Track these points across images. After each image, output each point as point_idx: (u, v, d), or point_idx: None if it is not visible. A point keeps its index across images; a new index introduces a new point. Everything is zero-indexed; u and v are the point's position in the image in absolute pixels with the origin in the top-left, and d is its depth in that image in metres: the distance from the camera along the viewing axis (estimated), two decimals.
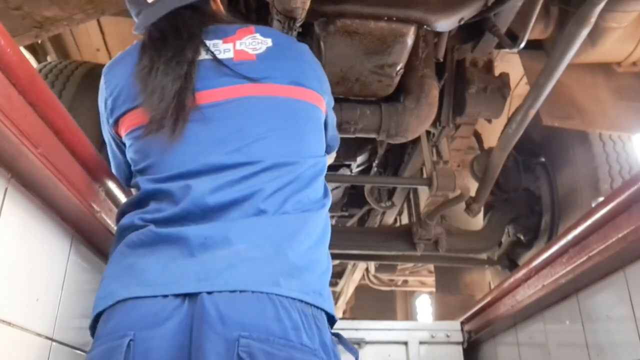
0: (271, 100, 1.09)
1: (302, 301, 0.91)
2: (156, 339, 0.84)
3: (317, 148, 1.14)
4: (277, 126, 1.07)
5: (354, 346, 1.02)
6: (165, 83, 1.06)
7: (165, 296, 0.87)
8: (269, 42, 1.18)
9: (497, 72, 2.64)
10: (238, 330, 0.83)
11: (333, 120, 1.34)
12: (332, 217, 4.57)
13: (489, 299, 2.02)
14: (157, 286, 0.88)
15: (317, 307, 0.94)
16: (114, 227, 1.17)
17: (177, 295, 0.87)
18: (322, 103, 1.20)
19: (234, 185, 0.98)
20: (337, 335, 1.01)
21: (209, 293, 0.86)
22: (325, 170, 1.14)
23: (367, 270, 5.23)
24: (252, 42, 1.17)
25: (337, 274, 5.90)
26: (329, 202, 1.09)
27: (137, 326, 0.85)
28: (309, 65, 1.21)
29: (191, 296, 0.87)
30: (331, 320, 1.01)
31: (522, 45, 2.13)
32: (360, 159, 3.44)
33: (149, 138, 1.04)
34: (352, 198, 4.15)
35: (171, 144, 1.02)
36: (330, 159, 1.39)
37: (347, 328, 2.31)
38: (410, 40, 1.95)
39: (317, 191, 1.07)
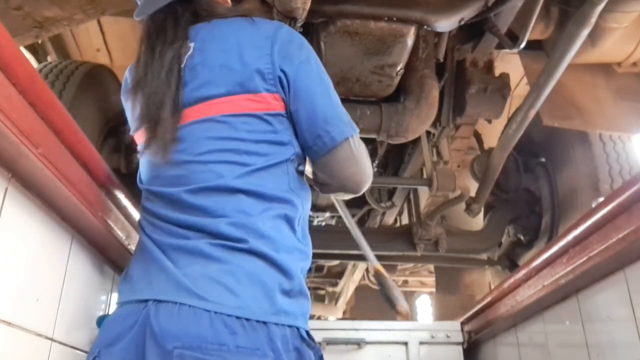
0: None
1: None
2: None
3: None
4: None
5: (316, 345, 1.02)
6: (153, 90, 1.08)
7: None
8: (190, 47, 1.12)
9: (497, 73, 2.64)
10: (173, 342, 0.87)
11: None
12: (332, 217, 4.57)
13: (489, 299, 2.02)
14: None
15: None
16: (114, 227, 1.17)
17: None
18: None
19: None
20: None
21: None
22: None
23: (367, 270, 5.23)
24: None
25: (337, 274, 5.90)
26: None
27: None
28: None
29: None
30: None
31: (522, 45, 2.13)
32: None
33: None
34: (352, 198, 4.15)
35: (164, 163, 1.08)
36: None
37: (347, 328, 2.31)
38: (410, 40, 1.95)
39: None
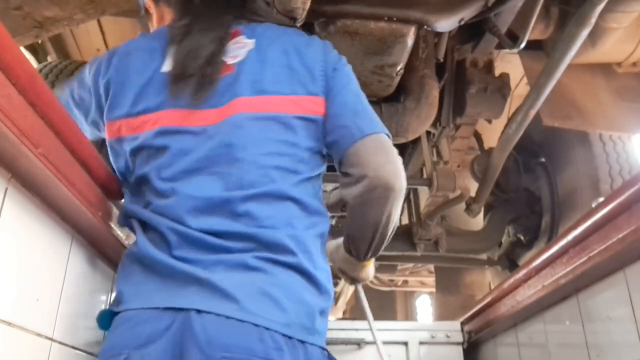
0: None
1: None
2: None
3: None
4: None
5: None
6: (202, 43, 1.10)
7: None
8: (250, 44, 1.13)
9: (497, 73, 2.64)
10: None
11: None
12: (332, 217, 4.57)
13: (489, 299, 2.02)
14: None
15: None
16: (114, 227, 1.17)
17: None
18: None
19: None
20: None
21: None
22: None
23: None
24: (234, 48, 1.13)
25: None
26: None
27: None
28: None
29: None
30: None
31: (523, 45, 2.13)
32: None
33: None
34: None
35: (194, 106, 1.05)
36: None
37: (347, 328, 2.31)
38: (410, 40, 1.95)
39: None
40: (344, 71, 1.16)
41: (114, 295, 0.99)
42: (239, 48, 1.12)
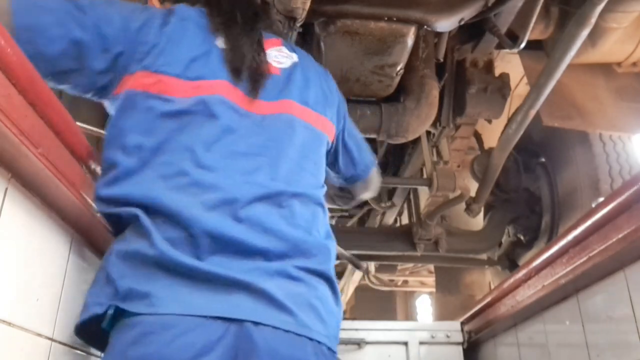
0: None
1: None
2: None
3: None
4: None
5: None
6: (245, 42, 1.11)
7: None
8: (294, 57, 1.20)
9: (497, 72, 2.64)
10: None
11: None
12: (332, 217, 4.57)
13: (489, 299, 2.02)
14: None
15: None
16: None
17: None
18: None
19: None
20: None
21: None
22: None
23: (367, 270, 5.23)
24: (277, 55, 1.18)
25: (338, 274, 5.90)
26: None
27: None
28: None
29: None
30: None
31: (522, 45, 2.13)
32: None
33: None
34: None
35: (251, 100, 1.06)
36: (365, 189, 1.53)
37: (347, 328, 2.31)
38: (410, 40, 1.95)
39: None
40: (345, 105, 1.34)
41: (119, 290, 0.86)
42: (283, 57, 1.17)
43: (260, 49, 1.13)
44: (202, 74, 1.05)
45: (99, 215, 1.01)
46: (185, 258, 0.87)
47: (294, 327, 0.87)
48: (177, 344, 0.81)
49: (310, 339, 0.88)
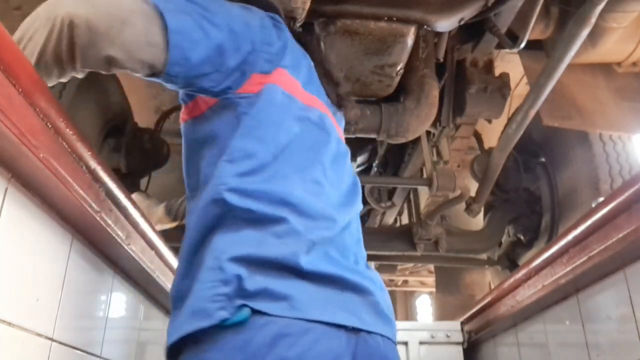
0: None
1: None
2: None
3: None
4: None
5: None
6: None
7: None
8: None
9: (497, 72, 2.64)
10: None
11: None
12: None
13: (489, 299, 2.02)
14: None
15: None
16: (114, 227, 1.17)
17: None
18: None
19: None
20: None
21: None
22: None
23: None
24: None
25: None
26: None
27: None
28: None
29: None
30: None
31: (522, 45, 2.13)
32: (360, 159, 3.45)
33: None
34: None
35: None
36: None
37: None
38: (410, 40, 1.95)
39: None
40: None
41: (248, 290, 0.81)
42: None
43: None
44: (313, 87, 1.10)
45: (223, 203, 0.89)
46: (328, 267, 0.89)
47: (393, 336, 0.95)
48: (316, 350, 0.81)
49: (395, 344, 0.97)
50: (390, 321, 0.95)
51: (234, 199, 0.88)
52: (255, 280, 0.82)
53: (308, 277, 0.86)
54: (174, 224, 1.76)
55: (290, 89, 1.02)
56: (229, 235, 0.87)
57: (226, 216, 0.89)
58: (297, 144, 0.98)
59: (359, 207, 1.10)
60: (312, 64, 1.16)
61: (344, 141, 1.17)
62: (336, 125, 1.15)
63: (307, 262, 0.86)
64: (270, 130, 0.96)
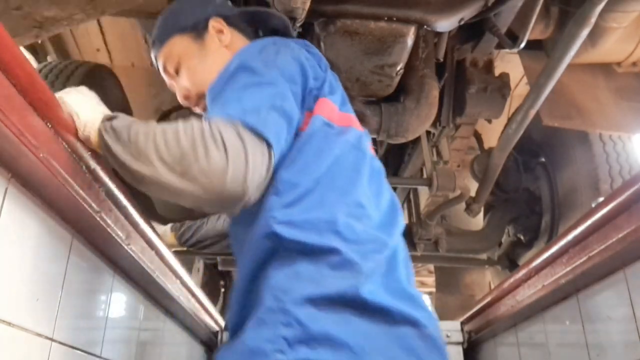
0: None
1: None
2: None
3: None
4: None
5: None
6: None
7: None
8: None
9: (497, 72, 2.64)
10: None
11: None
12: None
13: (489, 299, 2.02)
14: None
15: None
16: (114, 227, 1.17)
17: None
18: None
19: None
20: None
21: None
22: None
23: None
24: None
25: None
26: None
27: None
28: None
29: None
30: None
31: (522, 45, 2.13)
32: None
33: None
34: None
35: None
36: None
37: None
38: (410, 40, 1.95)
39: None
40: None
41: (313, 335, 0.81)
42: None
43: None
44: (347, 106, 1.12)
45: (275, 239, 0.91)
46: (386, 297, 0.88)
47: None
48: None
49: None
50: (443, 356, 0.92)
51: (284, 231, 0.89)
52: (316, 323, 0.82)
53: (368, 311, 0.85)
54: (183, 248, 1.84)
55: (330, 116, 1.04)
56: (285, 269, 0.88)
57: (279, 249, 0.90)
58: (337, 167, 0.99)
59: (402, 225, 1.07)
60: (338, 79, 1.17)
61: (376, 157, 1.15)
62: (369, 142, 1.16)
63: (367, 292, 0.86)
64: (311, 160, 0.97)
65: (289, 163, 0.96)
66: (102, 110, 1.02)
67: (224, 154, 0.83)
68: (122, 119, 0.97)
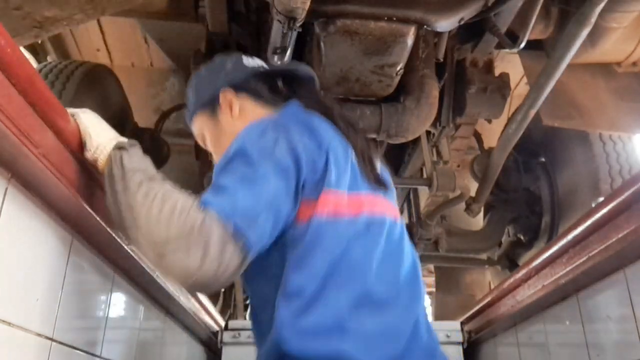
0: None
1: None
2: None
3: None
4: None
5: None
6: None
7: None
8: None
9: (497, 72, 2.64)
10: None
11: None
12: None
13: (489, 299, 2.02)
14: None
15: None
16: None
17: None
18: None
19: None
20: None
21: None
22: None
23: None
24: None
25: None
26: None
27: None
28: None
29: None
30: None
31: (522, 45, 2.13)
32: None
33: None
34: None
35: None
36: None
37: None
38: (410, 40, 1.95)
39: None
40: None
41: None
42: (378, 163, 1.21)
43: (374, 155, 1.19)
44: (356, 183, 1.08)
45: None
46: None
47: None
48: None
49: None
50: None
51: (293, 348, 0.92)
52: None
53: None
54: None
55: (336, 209, 1.01)
56: None
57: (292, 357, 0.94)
58: (344, 263, 0.98)
59: (423, 295, 1.09)
60: (351, 151, 1.11)
61: (396, 216, 1.13)
62: (386, 206, 1.12)
63: None
64: (317, 260, 0.97)
65: (296, 264, 0.98)
66: (114, 135, 1.05)
67: (203, 256, 0.86)
68: (134, 154, 1.00)
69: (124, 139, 1.04)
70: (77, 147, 1.01)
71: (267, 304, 1.01)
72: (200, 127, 1.30)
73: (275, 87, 1.27)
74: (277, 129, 1.03)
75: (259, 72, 1.28)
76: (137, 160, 0.99)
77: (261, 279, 1.04)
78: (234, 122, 1.22)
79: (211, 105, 1.26)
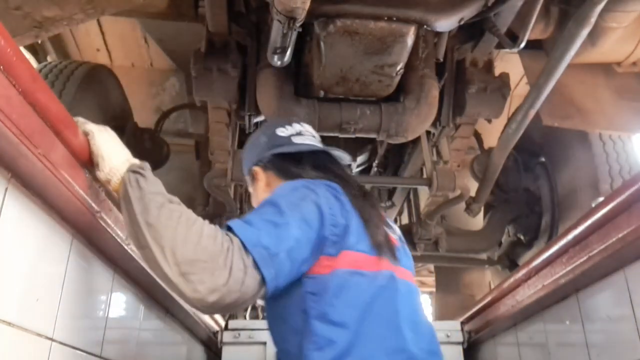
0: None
1: None
2: None
3: None
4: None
5: None
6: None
7: None
8: (396, 228, 1.39)
9: (497, 72, 2.64)
10: None
11: None
12: None
13: (489, 299, 2.02)
14: None
15: None
16: (114, 227, 1.17)
17: None
18: None
19: None
20: None
21: None
22: None
23: None
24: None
25: None
26: None
27: None
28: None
29: None
30: None
31: (522, 45, 2.13)
32: (360, 159, 3.44)
33: None
34: None
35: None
36: None
37: None
38: (410, 40, 1.95)
39: None
40: None
41: None
42: (394, 231, 1.35)
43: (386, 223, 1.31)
44: (379, 249, 1.18)
45: None
46: None
47: None
48: None
49: None
50: None
51: None
52: None
53: None
54: None
55: (357, 265, 1.12)
56: None
57: None
58: (373, 317, 1.08)
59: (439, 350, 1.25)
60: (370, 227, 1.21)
61: (412, 281, 1.27)
62: (403, 273, 1.23)
63: None
64: (345, 313, 1.07)
65: (321, 314, 1.07)
66: (127, 157, 1.11)
67: (228, 277, 0.95)
68: (149, 177, 1.07)
69: (136, 161, 1.11)
70: (78, 147, 1.01)
71: (290, 353, 1.11)
72: (247, 186, 1.53)
73: (300, 161, 1.39)
74: (307, 187, 1.16)
75: (287, 152, 1.41)
76: (154, 184, 1.06)
77: (282, 328, 1.14)
78: (263, 191, 1.39)
79: (250, 175, 1.47)
